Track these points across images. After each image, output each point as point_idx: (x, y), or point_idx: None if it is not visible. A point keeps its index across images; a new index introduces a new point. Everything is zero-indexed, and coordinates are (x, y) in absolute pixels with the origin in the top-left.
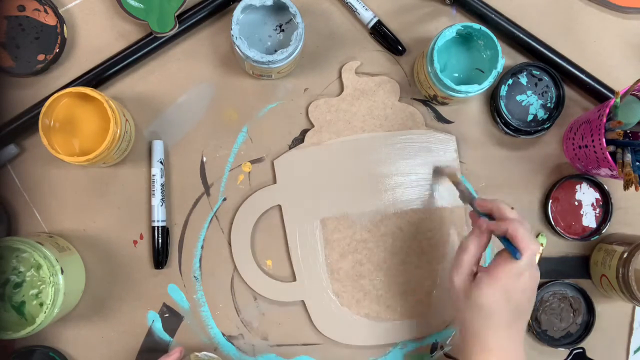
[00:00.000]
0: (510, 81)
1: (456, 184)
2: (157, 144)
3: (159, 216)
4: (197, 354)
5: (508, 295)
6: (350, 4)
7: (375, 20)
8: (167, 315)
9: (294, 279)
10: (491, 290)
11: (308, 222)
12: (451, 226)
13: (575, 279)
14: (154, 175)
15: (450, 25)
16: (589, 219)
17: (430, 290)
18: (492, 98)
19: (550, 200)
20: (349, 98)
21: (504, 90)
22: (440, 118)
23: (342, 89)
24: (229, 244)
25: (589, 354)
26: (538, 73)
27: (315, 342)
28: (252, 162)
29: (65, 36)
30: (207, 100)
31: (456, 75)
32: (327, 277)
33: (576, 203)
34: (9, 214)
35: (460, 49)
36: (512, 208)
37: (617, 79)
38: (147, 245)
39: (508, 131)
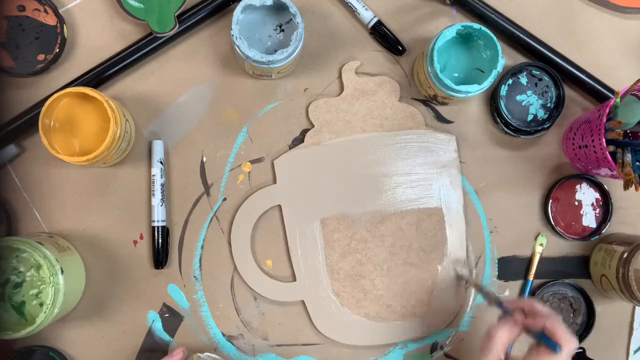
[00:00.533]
0: (510, 81)
1: (479, 288)
2: (157, 144)
3: (159, 216)
4: (199, 354)
5: None
6: (350, 4)
7: (375, 20)
8: (167, 315)
9: (294, 279)
10: None
11: (308, 222)
12: (451, 226)
13: (575, 279)
14: (154, 175)
15: (450, 25)
16: (589, 219)
17: (430, 290)
18: (492, 98)
19: (550, 200)
20: (349, 98)
21: (504, 90)
22: (440, 118)
23: (342, 89)
24: (229, 244)
25: (589, 354)
26: (538, 73)
27: (315, 342)
28: (252, 162)
29: (65, 36)
30: (207, 100)
31: (456, 75)
32: (327, 277)
33: (576, 203)
34: (9, 214)
35: (460, 49)
36: (543, 304)
37: (617, 79)
38: (147, 245)
39: (508, 131)
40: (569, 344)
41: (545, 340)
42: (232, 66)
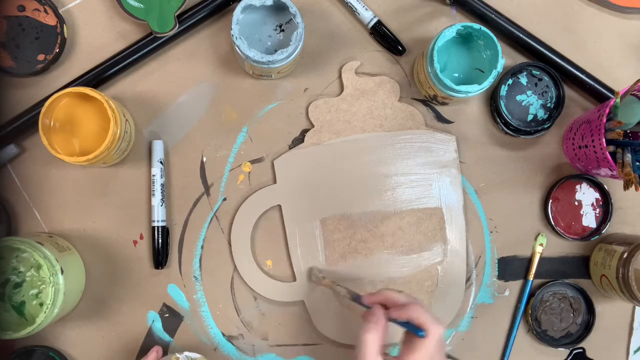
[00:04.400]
0: (510, 81)
1: (333, 286)
2: (157, 144)
3: (159, 216)
4: (177, 354)
5: None
6: (350, 4)
7: (375, 20)
8: (167, 315)
9: (294, 279)
10: None
11: (308, 222)
12: (451, 226)
13: (575, 279)
14: (154, 175)
15: (450, 25)
16: (589, 219)
17: (430, 290)
18: (492, 98)
19: (550, 200)
20: (349, 98)
21: (504, 90)
22: (440, 118)
23: (342, 89)
24: (229, 244)
25: (589, 354)
26: (538, 73)
27: (315, 342)
28: (252, 162)
29: (65, 36)
30: (207, 100)
31: (456, 75)
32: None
33: (576, 203)
34: (9, 214)
35: (460, 49)
36: (400, 291)
37: (617, 79)
38: (147, 245)
39: (508, 131)
40: (435, 328)
41: (410, 328)
42: (232, 66)
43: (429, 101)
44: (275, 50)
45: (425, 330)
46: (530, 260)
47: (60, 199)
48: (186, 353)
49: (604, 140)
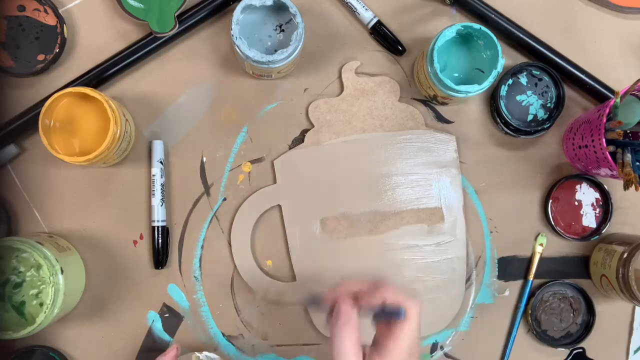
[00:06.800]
0: (510, 81)
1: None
2: (157, 144)
3: (159, 216)
4: (197, 354)
5: None
6: (350, 4)
7: (375, 20)
8: (167, 315)
9: (294, 279)
10: None
11: (308, 222)
12: (450, 225)
13: (575, 279)
14: (154, 175)
15: (450, 25)
16: (589, 219)
17: (430, 291)
18: (492, 98)
19: (550, 200)
20: (349, 98)
21: (504, 90)
22: (440, 118)
23: (342, 89)
24: (229, 244)
25: (589, 354)
26: (538, 73)
27: (315, 342)
28: (252, 162)
29: (65, 36)
30: (207, 100)
31: (456, 75)
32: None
33: (576, 203)
34: (9, 214)
35: (460, 49)
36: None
37: (617, 79)
38: (147, 245)
39: (508, 131)
40: (414, 305)
41: (387, 314)
42: (232, 66)
43: (429, 101)
44: (275, 50)
45: (405, 309)
46: (530, 260)
47: (60, 199)
48: (205, 353)
49: (604, 140)
